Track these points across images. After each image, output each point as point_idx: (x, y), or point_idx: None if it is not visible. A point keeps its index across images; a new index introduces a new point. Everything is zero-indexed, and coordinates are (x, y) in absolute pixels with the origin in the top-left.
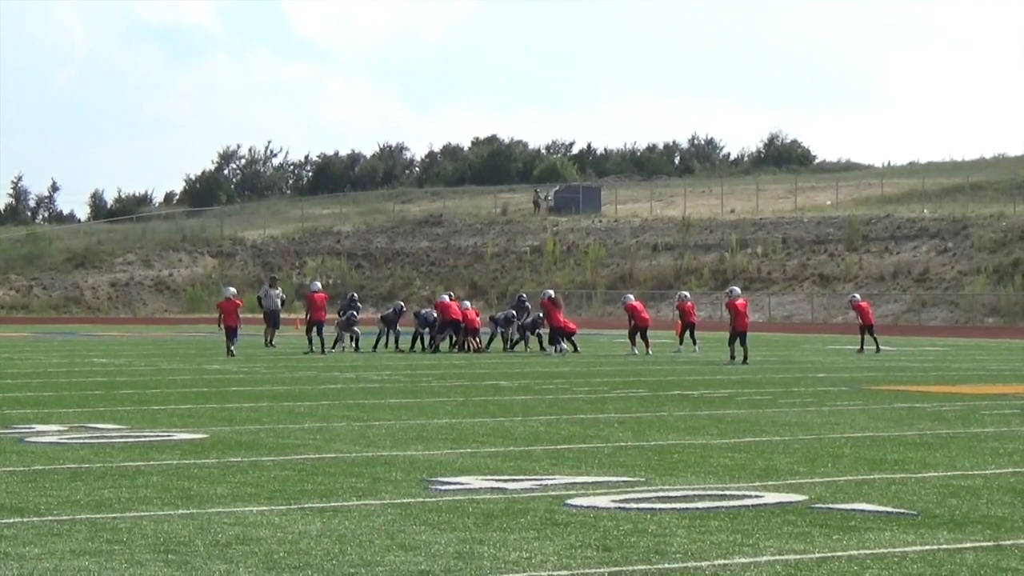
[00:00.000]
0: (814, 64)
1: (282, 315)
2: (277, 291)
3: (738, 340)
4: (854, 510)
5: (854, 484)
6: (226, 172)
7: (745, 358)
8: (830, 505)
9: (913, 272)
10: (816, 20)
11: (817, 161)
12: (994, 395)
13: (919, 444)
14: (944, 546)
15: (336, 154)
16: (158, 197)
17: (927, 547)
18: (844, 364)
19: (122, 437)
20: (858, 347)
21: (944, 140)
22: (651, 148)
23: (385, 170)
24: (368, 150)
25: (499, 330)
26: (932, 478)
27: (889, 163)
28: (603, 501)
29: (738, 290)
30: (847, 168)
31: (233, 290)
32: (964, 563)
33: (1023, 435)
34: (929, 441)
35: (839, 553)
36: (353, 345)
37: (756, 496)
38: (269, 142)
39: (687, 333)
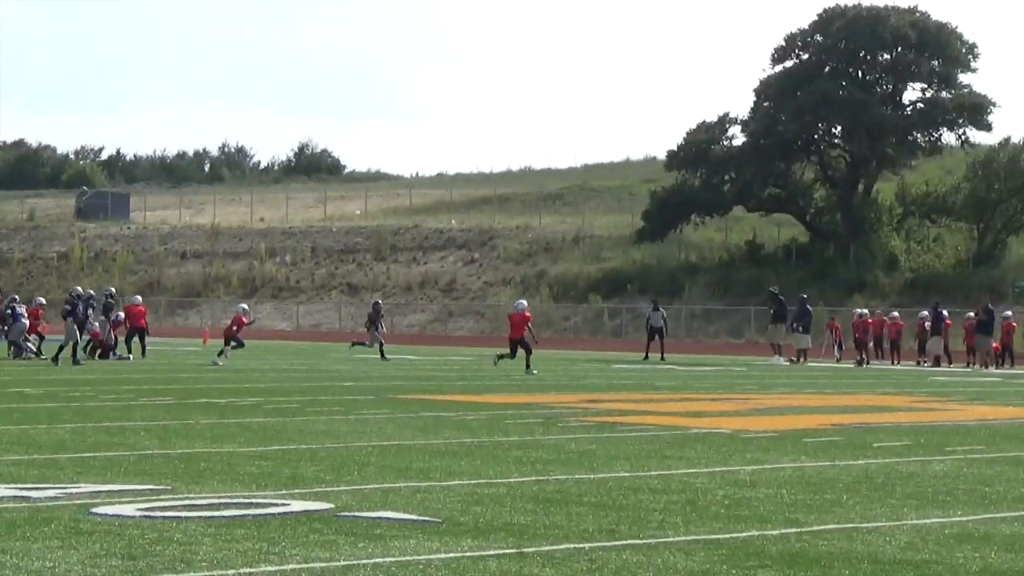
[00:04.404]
0: (344, 74)
1: None
2: None
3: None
4: (380, 518)
5: (380, 492)
6: None
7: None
8: (356, 513)
9: (440, 282)
10: (347, 30)
11: (347, 171)
12: (518, 404)
13: (444, 452)
14: (468, 553)
15: None
16: None
17: (451, 554)
18: (371, 373)
19: None
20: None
21: (472, 152)
22: (181, 155)
23: None
24: None
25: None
26: (457, 486)
27: (418, 174)
28: (128, 509)
29: (523, 303)
30: (376, 178)
31: None
32: (487, 570)
33: (546, 444)
34: (454, 450)
35: (364, 561)
36: None
37: (282, 504)
38: None
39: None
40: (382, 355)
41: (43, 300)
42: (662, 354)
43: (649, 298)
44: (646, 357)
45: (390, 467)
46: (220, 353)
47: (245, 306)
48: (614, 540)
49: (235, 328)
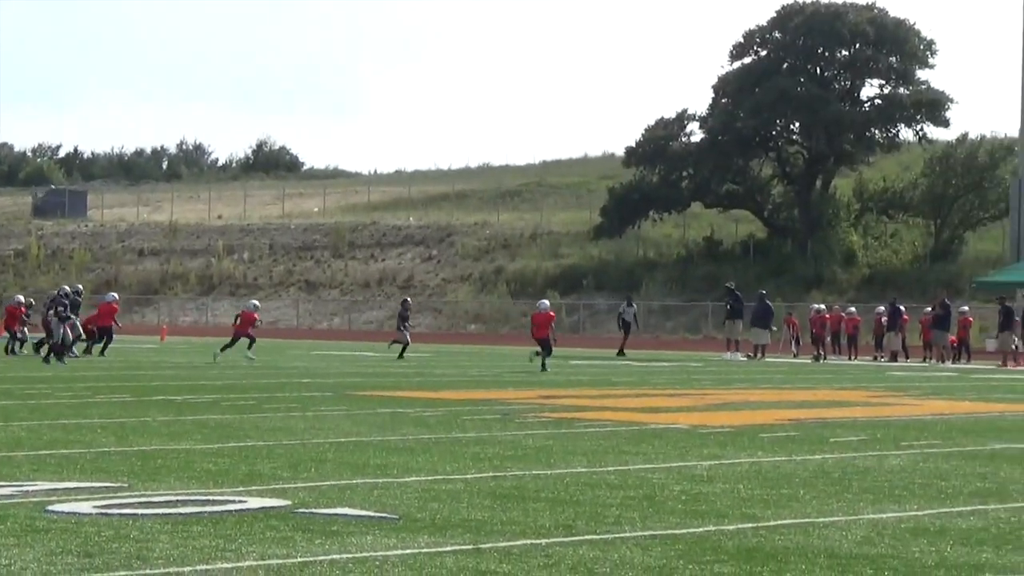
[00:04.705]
0: (303, 71)
1: None
2: None
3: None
4: (337, 515)
5: (337, 489)
6: None
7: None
8: (313, 510)
9: (398, 279)
10: (306, 27)
11: (305, 168)
12: (476, 400)
13: (402, 449)
14: (425, 550)
15: None
16: None
17: (408, 551)
18: (328, 370)
19: None
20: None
21: (430, 149)
22: (139, 153)
23: None
24: None
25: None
26: (414, 482)
27: (376, 171)
28: (85, 507)
29: (546, 303)
30: (335, 175)
31: None
32: (444, 566)
33: (503, 440)
34: (411, 446)
35: (321, 557)
36: None
37: (239, 501)
38: None
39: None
40: (402, 354)
41: (20, 298)
42: (622, 349)
43: (624, 295)
44: (621, 353)
45: (347, 464)
46: (249, 347)
47: (256, 302)
48: (571, 536)
49: (245, 324)
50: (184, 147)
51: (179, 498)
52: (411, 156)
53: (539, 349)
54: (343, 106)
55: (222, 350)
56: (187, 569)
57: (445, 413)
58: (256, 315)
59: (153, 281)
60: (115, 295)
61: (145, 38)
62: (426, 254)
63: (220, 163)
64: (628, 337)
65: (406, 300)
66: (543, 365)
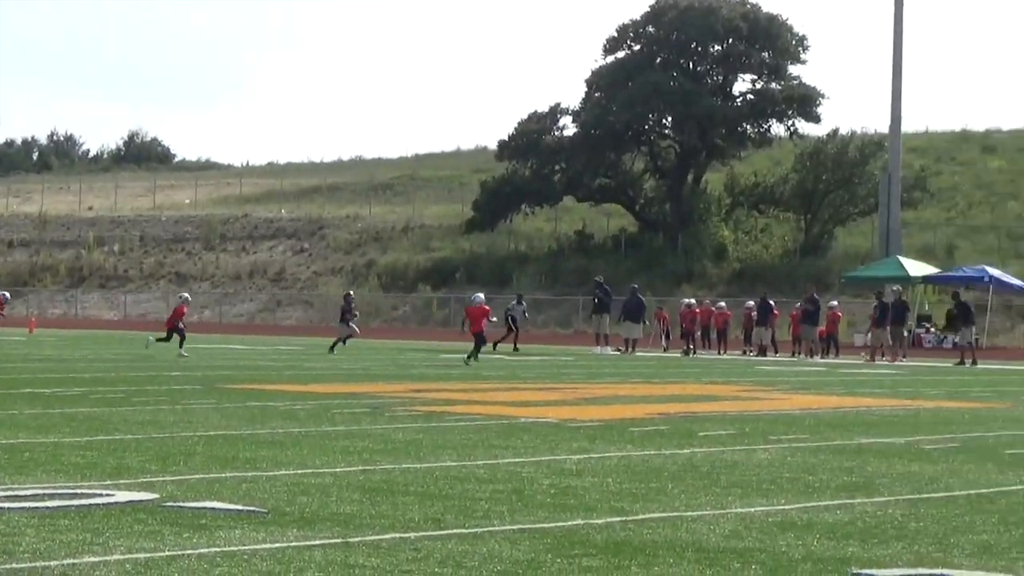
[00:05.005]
0: (175, 63)
1: None
2: None
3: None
4: (205, 508)
5: (206, 482)
6: None
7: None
8: (181, 503)
9: (269, 272)
10: (178, 18)
11: (177, 160)
12: (345, 394)
13: (271, 442)
14: (293, 543)
15: None
16: None
17: (277, 544)
18: (198, 363)
19: None
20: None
21: (303, 142)
22: (9, 144)
23: None
24: None
25: None
26: (283, 476)
27: (248, 163)
28: None
29: (480, 296)
30: (206, 167)
31: None
32: (313, 560)
33: (372, 433)
34: (281, 439)
35: (189, 551)
36: None
37: (107, 495)
38: None
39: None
40: (333, 347)
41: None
42: (496, 344)
43: (514, 292)
44: (516, 348)
45: (216, 457)
46: (180, 344)
47: (187, 295)
48: (440, 529)
49: (174, 318)
50: (55, 138)
51: (46, 492)
52: (283, 148)
53: (471, 352)
54: (215, 98)
55: (158, 340)
56: (54, 563)
57: (315, 407)
58: (185, 308)
59: (22, 273)
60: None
61: (16, 28)
62: (298, 247)
63: (91, 154)
64: (518, 333)
65: (349, 294)
66: (472, 356)
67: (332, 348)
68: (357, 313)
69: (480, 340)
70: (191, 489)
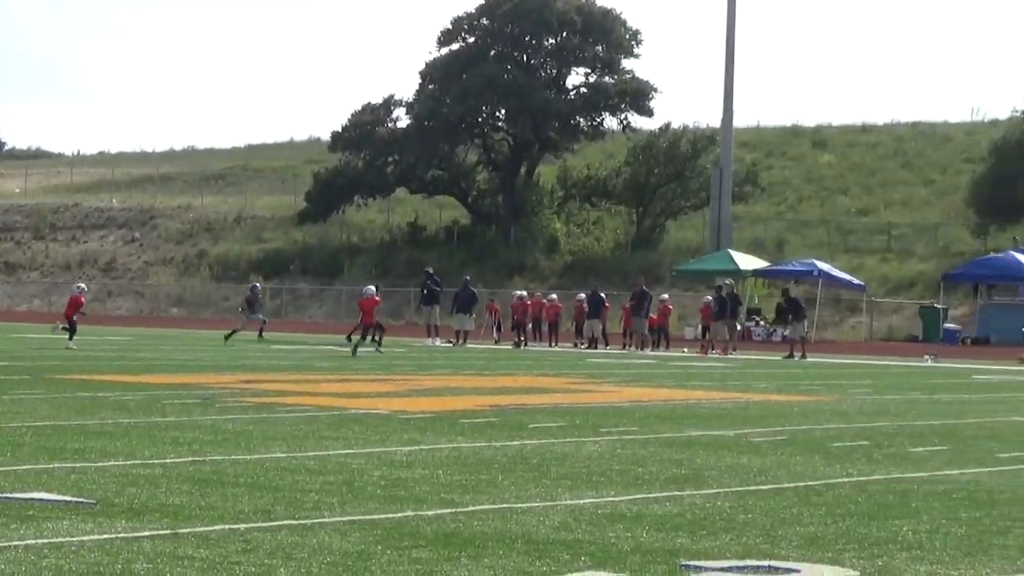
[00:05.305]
0: (5, 50)
1: None
2: None
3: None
4: (33, 499)
5: (33, 473)
6: None
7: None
8: (8, 495)
9: (100, 261)
10: (10, 4)
11: (6, 148)
12: (176, 385)
13: (100, 433)
14: (122, 535)
15: None
16: None
17: (105, 536)
18: (27, 353)
19: None
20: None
21: (135, 131)
22: None
23: None
24: None
25: None
26: (112, 467)
27: (79, 152)
28: None
29: (372, 288)
30: (37, 156)
31: None
32: (141, 551)
33: (203, 424)
34: (110, 430)
35: (16, 543)
36: None
37: None
38: None
39: None
40: (260, 334)
41: None
42: (350, 336)
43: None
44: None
45: (44, 448)
46: (70, 337)
47: (83, 285)
48: (270, 521)
49: (71, 308)
50: None
51: None
52: (115, 137)
53: (357, 341)
54: (46, 86)
55: (63, 329)
56: None
57: (145, 397)
58: (82, 298)
59: None
60: None
61: None
62: (128, 236)
63: None
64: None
65: (255, 286)
66: (357, 346)
67: (229, 336)
68: (264, 304)
69: (378, 329)
70: (19, 480)
